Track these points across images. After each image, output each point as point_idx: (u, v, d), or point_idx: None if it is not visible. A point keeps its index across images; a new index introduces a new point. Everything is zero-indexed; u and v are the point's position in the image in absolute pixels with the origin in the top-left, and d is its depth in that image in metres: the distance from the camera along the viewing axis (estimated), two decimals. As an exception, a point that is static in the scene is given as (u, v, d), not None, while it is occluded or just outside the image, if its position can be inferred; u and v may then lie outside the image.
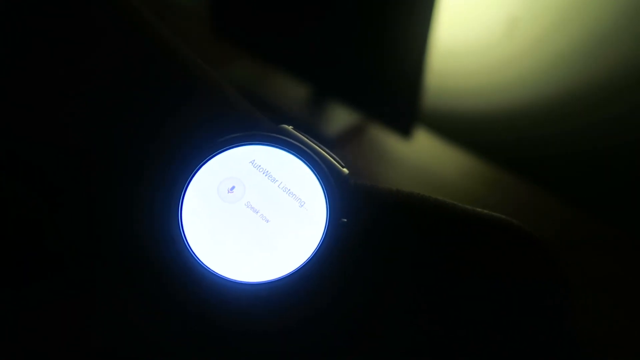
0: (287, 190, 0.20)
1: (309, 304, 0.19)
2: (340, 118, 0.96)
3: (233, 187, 0.20)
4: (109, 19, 0.20)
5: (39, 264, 0.21)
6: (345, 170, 0.21)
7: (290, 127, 0.22)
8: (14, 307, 0.21)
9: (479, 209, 0.21)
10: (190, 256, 0.19)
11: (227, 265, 0.19)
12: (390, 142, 0.94)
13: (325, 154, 0.21)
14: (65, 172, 0.20)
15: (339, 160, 0.22)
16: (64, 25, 0.20)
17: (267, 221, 0.20)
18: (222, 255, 0.19)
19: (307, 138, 0.22)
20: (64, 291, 0.21)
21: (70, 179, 0.20)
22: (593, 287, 0.71)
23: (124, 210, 0.20)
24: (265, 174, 0.21)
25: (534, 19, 0.79)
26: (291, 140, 0.21)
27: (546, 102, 0.84)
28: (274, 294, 0.19)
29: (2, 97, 0.19)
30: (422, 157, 0.91)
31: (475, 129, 0.94)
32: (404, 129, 0.82)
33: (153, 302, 0.19)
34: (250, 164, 0.21)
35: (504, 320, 0.19)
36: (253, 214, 0.20)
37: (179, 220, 0.20)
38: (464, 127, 0.95)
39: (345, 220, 0.19)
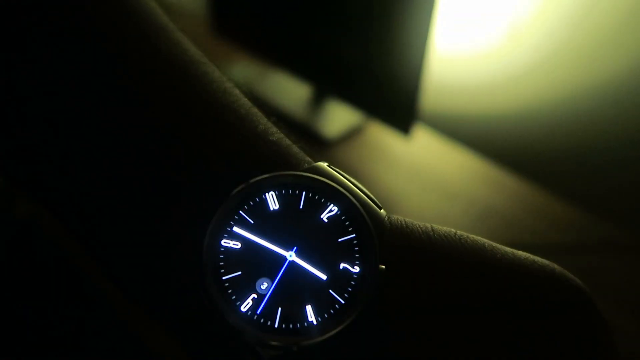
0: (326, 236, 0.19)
1: (352, 353, 0.18)
2: (340, 118, 0.96)
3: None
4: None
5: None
6: (383, 212, 0.20)
7: (325, 164, 0.21)
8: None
9: (519, 254, 0.20)
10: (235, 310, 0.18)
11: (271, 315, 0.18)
12: (390, 142, 0.94)
13: (363, 195, 0.20)
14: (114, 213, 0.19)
15: (375, 200, 0.21)
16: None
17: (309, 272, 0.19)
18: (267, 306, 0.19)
19: (344, 176, 0.21)
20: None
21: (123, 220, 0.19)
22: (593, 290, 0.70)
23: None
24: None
25: (535, 19, 0.79)
26: (326, 182, 0.20)
27: (546, 102, 0.84)
28: (326, 348, 0.18)
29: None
30: (422, 157, 0.91)
31: (475, 129, 0.94)
32: (404, 129, 0.82)
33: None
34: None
35: None
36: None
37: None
38: (464, 127, 0.95)
39: (384, 267, 0.18)
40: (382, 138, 0.94)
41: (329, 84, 0.93)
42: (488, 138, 0.93)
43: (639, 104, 0.76)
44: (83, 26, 0.20)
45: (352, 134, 0.95)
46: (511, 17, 0.81)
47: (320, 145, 0.92)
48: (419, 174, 0.88)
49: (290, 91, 1.03)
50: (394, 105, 0.82)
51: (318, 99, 0.99)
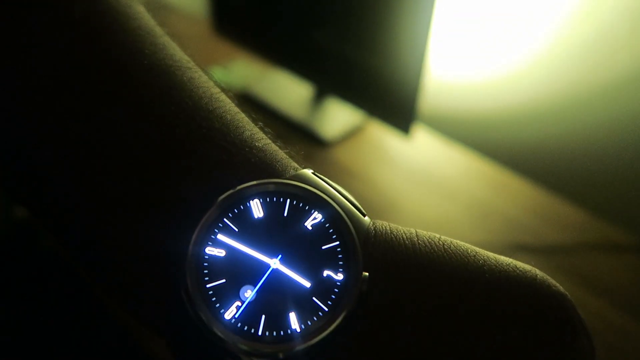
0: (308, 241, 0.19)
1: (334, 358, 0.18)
2: (340, 118, 0.96)
3: None
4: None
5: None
6: (367, 219, 0.20)
7: (310, 172, 0.21)
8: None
9: (501, 260, 0.20)
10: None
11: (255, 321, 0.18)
12: (390, 142, 0.94)
13: (347, 203, 0.20)
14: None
15: (359, 207, 0.21)
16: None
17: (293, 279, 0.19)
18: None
19: (328, 183, 0.21)
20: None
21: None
22: (593, 290, 0.71)
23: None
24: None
25: (535, 19, 0.79)
26: (311, 190, 0.20)
27: (546, 102, 0.84)
28: (310, 355, 0.18)
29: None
30: (422, 157, 0.91)
31: (475, 129, 0.94)
32: (404, 129, 0.82)
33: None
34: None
35: None
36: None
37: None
38: (464, 127, 0.95)
39: (367, 274, 0.18)
40: (382, 138, 0.94)
41: (329, 84, 0.93)
42: (488, 138, 0.93)
43: (639, 103, 0.76)
44: (65, 29, 0.20)
45: (352, 134, 0.95)
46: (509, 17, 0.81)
47: (320, 145, 0.92)
48: (419, 174, 0.88)
49: (290, 91, 1.03)
50: (394, 106, 0.82)
51: (318, 99, 0.99)
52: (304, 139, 0.93)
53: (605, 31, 0.74)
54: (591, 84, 0.78)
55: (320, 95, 0.99)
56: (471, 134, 0.94)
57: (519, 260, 0.20)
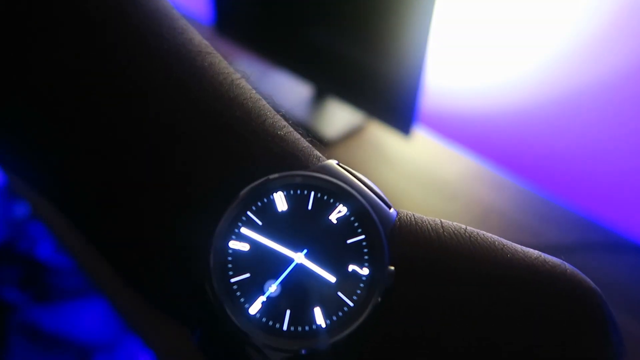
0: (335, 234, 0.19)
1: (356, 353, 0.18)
2: (340, 118, 0.96)
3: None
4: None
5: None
6: (392, 210, 0.20)
7: (334, 162, 0.21)
8: None
9: (530, 253, 0.19)
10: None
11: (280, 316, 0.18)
12: (390, 142, 0.94)
13: (372, 195, 0.20)
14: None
15: (385, 198, 0.20)
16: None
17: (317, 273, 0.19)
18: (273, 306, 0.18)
19: (353, 175, 0.20)
20: None
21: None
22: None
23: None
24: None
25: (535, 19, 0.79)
26: (335, 182, 0.20)
27: (546, 102, 0.84)
28: (335, 350, 0.18)
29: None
30: (422, 157, 0.91)
31: (475, 129, 0.94)
32: (404, 129, 0.82)
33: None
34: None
35: None
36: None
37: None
38: (464, 127, 0.95)
39: (393, 268, 0.18)
40: (382, 138, 0.94)
41: (329, 84, 0.93)
42: (488, 138, 0.93)
43: (638, 104, 0.76)
44: (81, 12, 0.19)
45: (352, 134, 0.95)
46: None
47: (320, 146, 0.91)
48: (419, 174, 0.88)
49: (290, 91, 1.03)
50: (394, 106, 0.82)
51: (318, 99, 0.99)
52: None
53: (602, 33, 0.74)
54: (591, 84, 0.78)
55: (320, 95, 0.99)
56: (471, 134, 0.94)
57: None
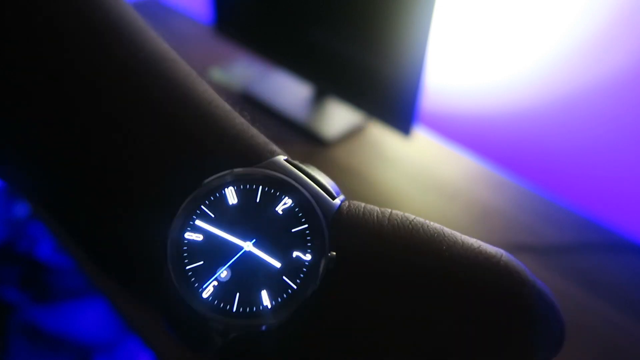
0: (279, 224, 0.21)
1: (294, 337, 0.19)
2: (340, 118, 0.96)
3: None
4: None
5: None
6: (336, 200, 0.21)
7: (282, 158, 0.22)
8: None
9: (468, 242, 0.20)
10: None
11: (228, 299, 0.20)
12: (390, 142, 0.94)
13: (316, 187, 0.21)
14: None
15: (330, 190, 0.21)
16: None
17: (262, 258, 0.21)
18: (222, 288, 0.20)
19: (300, 169, 0.22)
20: None
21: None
22: (593, 290, 0.71)
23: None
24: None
25: (535, 19, 0.79)
26: (281, 177, 0.21)
27: (546, 102, 0.84)
28: (280, 329, 0.19)
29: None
30: (422, 157, 0.91)
31: (475, 129, 0.94)
32: (404, 130, 0.83)
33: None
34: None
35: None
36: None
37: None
38: (464, 127, 0.95)
39: (335, 254, 0.20)
40: (382, 138, 0.94)
41: (329, 84, 0.93)
42: (488, 138, 0.93)
43: (637, 104, 0.76)
44: (56, 23, 0.20)
45: (352, 134, 0.95)
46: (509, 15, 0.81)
47: (320, 145, 0.92)
48: (419, 174, 0.88)
49: (290, 91, 1.03)
50: (394, 106, 0.82)
51: (318, 99, 0.99)
52: (304, 138, 0.93)
53: (601, 33, 0.74)
54: (591, 84, 0.78)
55: (320, 95, 0.99)
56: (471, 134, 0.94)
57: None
